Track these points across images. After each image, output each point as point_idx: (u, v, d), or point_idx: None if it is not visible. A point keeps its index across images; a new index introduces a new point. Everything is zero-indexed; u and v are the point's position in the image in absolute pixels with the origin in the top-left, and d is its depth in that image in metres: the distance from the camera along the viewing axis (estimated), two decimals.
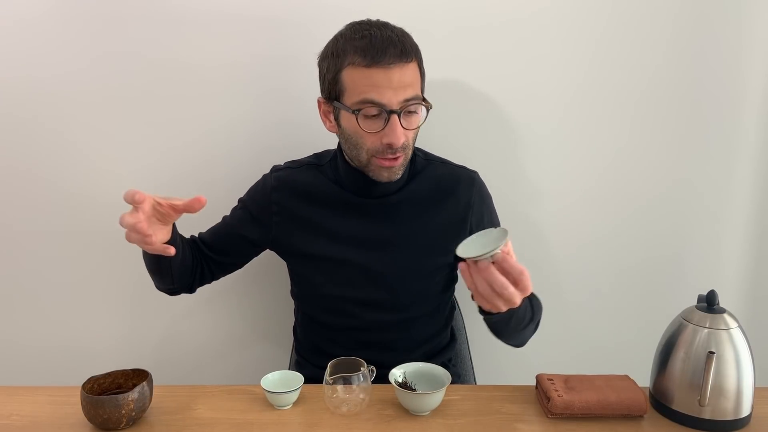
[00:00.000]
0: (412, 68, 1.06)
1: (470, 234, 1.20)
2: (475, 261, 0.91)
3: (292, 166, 1.26)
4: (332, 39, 1.10)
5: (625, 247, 1.54)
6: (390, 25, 1.09)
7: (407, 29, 1.10)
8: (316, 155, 1.27)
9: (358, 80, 1.04)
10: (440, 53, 1.38)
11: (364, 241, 1.18)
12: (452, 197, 1.20)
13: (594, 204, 1.51)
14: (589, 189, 1.50)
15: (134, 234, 0.95)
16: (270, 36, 1.40)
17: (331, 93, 1.09)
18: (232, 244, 1.26)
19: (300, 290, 1.28)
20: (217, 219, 1.28)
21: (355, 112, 1.05)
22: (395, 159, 1.09)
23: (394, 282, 1.16)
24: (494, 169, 1.45)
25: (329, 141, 1.26)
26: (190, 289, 1.26)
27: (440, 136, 1.42)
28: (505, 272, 0.90)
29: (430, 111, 1.11)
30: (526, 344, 1.54)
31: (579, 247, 1.53)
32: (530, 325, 1.13)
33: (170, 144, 1.46)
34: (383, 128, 1.05)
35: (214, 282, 1.31)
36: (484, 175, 1.27)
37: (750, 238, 1.54)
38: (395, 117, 1.05)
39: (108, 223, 1.49)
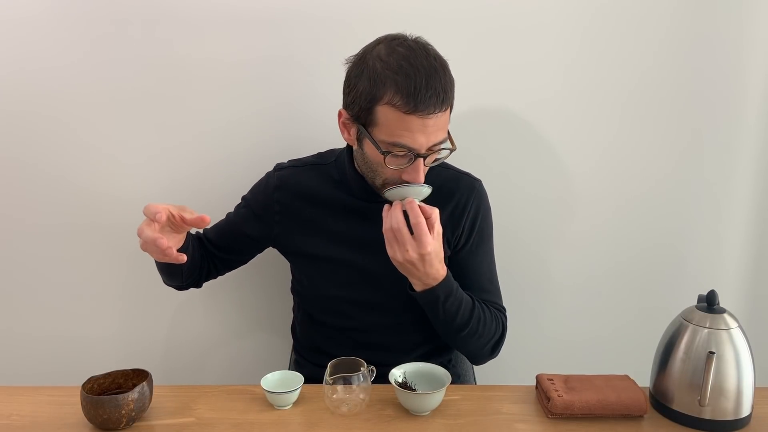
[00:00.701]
0: (445, 115, 1.05)
1: (465, 238, 1.21)
2: (391, 202, 1.04)
3: (296, 165, 1.25)
4: (369, 55, 1.05)
5: (625, 248, 1.54)
6: (432, 56, 1.04)
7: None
8: (319, 155, 1.27)
9: (393, 122, 1.02)
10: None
11: (364, 244, 1.18)
12: (451, 201, 1.20)
13: (594, 204, 1.51)
14: (589, 189, 1.50)
15: (152, 247, 0.99)
16: (270, 36, 1.40)
17: (360, 117, 1.06)
18: (236, 242, 1.27)
19: (300, 288, 1.28)
20: (220, 217, 1.28)
21: (386, 153, 1.04)
22: None
23: (393, 285, 1.16)
24: (494, 169, 1.45)
25: (330, 141, 1.26)
26: (197, 284, 1.28)
27: None
28: (408, 217, 1.02)
29: None
30: (525, 345, 1.54)
31: (579, 247, 1.53)
32: (467, 332, 1.13)
33: (171, 144, 1.46)
34: (406, 166, 1.06)
35: (214, 282, 1.31)
36: (483, 175, 1.27)
37: (750, 238, 1.54)
38: (420, 160, 1.05)
39: (108, 222, 1.50)
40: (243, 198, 1.28)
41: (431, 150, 1.05)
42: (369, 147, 1.07)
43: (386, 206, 1.06)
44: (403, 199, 1.04)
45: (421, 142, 1.03)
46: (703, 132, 1.47)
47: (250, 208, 1.25)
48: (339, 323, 1.22)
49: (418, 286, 1.09)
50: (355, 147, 1.13)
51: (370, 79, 1.02)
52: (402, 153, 1.04)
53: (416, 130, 1.01)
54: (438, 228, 1.05)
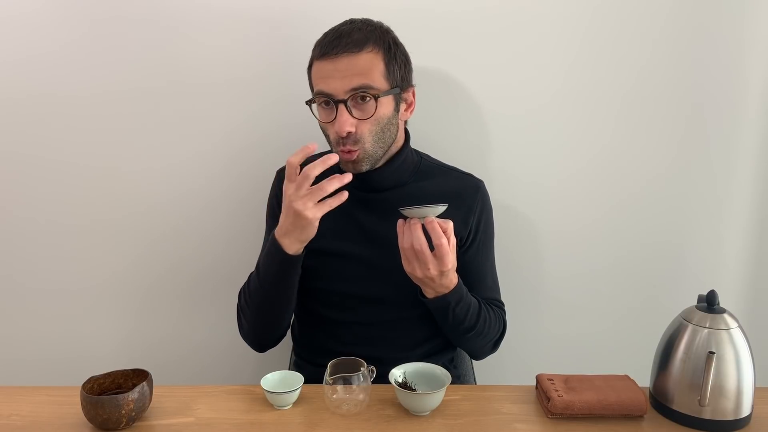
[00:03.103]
0: (365, 58, 1.08)
1: (472, 238, 1.21)
2: (409, 219, 1.05)
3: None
4: None
5: (625, 247, 1.53)
6: (358, 20, 1.12)
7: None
8: (322, 153, 1.27)
9: (315, 73, 1.11)
10: (428, 47, 1.38)
11: (366, 237, 1.19)
12: (456, 200, 1.20)
13: (594, 204, 1.51)
14: (588, 189, 1.50)
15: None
16: (270, 36, 1.40)
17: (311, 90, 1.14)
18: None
19: (302, 284, 1.27)
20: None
21: (308, 103, 1.11)
22: (350, 152, 1.10)
23: (396, 278, 1.17)
24: (493, 168, 1.45)
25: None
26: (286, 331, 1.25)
27: (435, 134, 1.43)
28: (429, 236, 1.03)
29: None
30: (525, 345, 1.54)
31: (579, 246, 1.53)
32: (474, 333, 1.15)
33: (171, 143, 1.46)
34: (334, 118, 1.08)
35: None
36: (482, 174, 1.28)
37: (750, 238, 1.54)
38: (341, 106, 1.07)
39: (109, 222, 1.50)
40: (266, 221, 1.29)
41: (352, 97, 1.07)
42: (315, 113, 1.14)
43: (401, 221, 1.07)
44: (422, 218, 1.04)
45: (335, 86, 1.07)
46: (703, 131, 1.47)
47: (276, 221, 1.24)
48: (341, 317, 1.22)
49: (430, 294, 1.11)
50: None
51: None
52: (326, 103, 1.09)
53: (328, 74, 1.07)
54: (453, 240, 1.06)
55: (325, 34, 1.11)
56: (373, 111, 1.10)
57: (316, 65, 1.10)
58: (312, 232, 1.07)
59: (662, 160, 1.48)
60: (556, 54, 1.42)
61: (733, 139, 1.47)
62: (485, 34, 1.40)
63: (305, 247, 1.19)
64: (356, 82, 1.07)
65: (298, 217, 1.03)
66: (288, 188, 1.03)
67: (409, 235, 1.04)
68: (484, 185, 1.27)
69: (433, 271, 1.05)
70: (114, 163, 1.47)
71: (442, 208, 1.04)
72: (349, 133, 1.08)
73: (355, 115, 1.08)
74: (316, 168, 1.01)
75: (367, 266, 1.19)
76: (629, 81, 1.44)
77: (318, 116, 1.12)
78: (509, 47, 1.41)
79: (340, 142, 1.10)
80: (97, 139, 1.45)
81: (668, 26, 1.41)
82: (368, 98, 1.08)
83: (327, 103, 1.10)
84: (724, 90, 1.44)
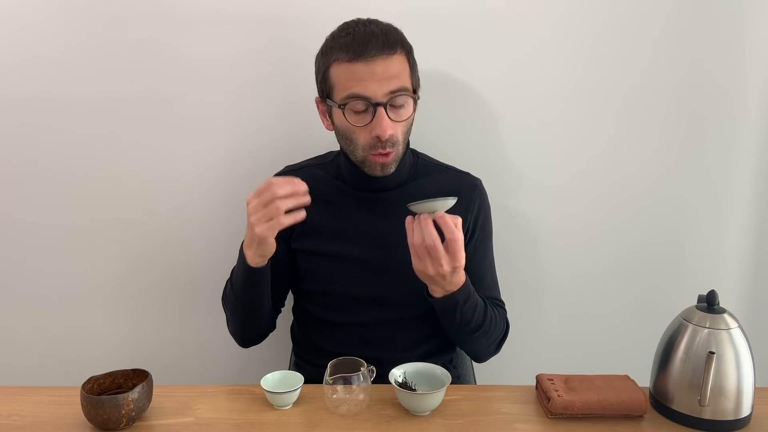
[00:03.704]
0: (397, 60, 1.08)
1: (469, 236, 1.22)
2: (419, 214, 1.02)
3: (294, 168, 1.27)
4: (325, 40, 1.13)
5: (625, 247, 1.53)
6: (377, 21, 1.11)
7: (402, 27, 1.11)
8: (317, 157, 1.29)
9: (343, 76, 1.07)
10: (429, 47, 1.38)
11: (362, 237, 1.19)
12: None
13: (594, 204, 1.51)
14: (588, 189, 1.50)
15: (287, 202, 0.98)
16: (270, 36, 1.40)
17: (323, 92, 1.12)
18: (281, 266, 1.21)
19: (301, 286, 1.27)
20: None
21: (341, 107, 1.07)
22: (386, 155, 1.11)
23: (394, 278, 1.17)
24: (492, 169, 1.45)
25: (331, 141, 1.26)
26: (269, 330, 1.26)
27: (435, 134, 1.43)
28: (440, 231, 1.01)
29: (424, 109, 1.11)
30: (525, 345, 1.54)
31: (579, 246, 1.53)
32: (480, 333, 1.14)
33: (171, 143, 1.46)
34: (371, 121, 1.07)
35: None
36: (482, 174, 1.27)
37: (750, 238, 1.54)
38: (381, 109, 1.06)
39: (109, 222, 1.50)
40: None
41: (390, 100, 1.07)
42: (337, 117, 1.11)
43: (410, 218, 1.04)
44: (432, 213, 1.01)
45: (374, 89, 1.05)
46: (703, 131, 1.47)
47: None
48: (340, 319, 1.22)
49: (438, 293, 1.08)
50: (333, 131, 1.16)
51: (322, 53, 1.11)
52: (361, 107, 1.07)
53: (365, 77, 1.05)
54: (461, 235, 1.03)
55: (351, 35, 1.07)
56: (410, 113, 1.11)
57: (346, 67, 1.06)
58: (268, 248, 1.05)
59: (662, 161, 1.48)
60: (556, 55, 1.42)
61: (733, 140, 1.47)
62: (486, 35, 1.40)
63: (302, 249, 1.20)
64: (394, 84, 1.07)
65: (252, 231, 1.02)
66: (251, 200, 1.02)
67: (420, 231, 1.01)
68: (481, 183, 1.26)
69: (446, 267, 1.02)
70: (114, 165, 1.47)
71: (452, 201, 1.02)
72: (390, 135, 1.08)
73: (392, 118, 1.08)
74: (283, 189, 0.99)
75: (364, 267, 1.19)
76: (629, 82, 1.44)
77: (349, 120, 1.08)
78: (510, 48, 1.41)
79: (377, 146, 1.09)
80: (97, 141, 1.45)
81: (669, 28, 1.41)
82: (403, 100, 1.09)
83: (360, 107, 1.07)
84: (724, 91, 1.44)
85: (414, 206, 1.02)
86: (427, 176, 1.23)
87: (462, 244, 1.02)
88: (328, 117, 1.16)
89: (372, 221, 1.19)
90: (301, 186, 1.00)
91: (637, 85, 1.44)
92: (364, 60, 1.04)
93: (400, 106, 1.09)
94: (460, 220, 1.03)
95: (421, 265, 1.04)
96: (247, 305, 1.17)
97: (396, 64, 1.07)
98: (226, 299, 1.21)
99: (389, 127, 1.07)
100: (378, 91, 1.06)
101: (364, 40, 1.05)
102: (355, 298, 1.21)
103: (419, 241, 1.01)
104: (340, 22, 1.13)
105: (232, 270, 1.18)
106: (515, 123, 1.46)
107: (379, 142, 1.08)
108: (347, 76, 1.06)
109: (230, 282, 1.19)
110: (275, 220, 1.00)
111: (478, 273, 1.24)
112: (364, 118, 1.08)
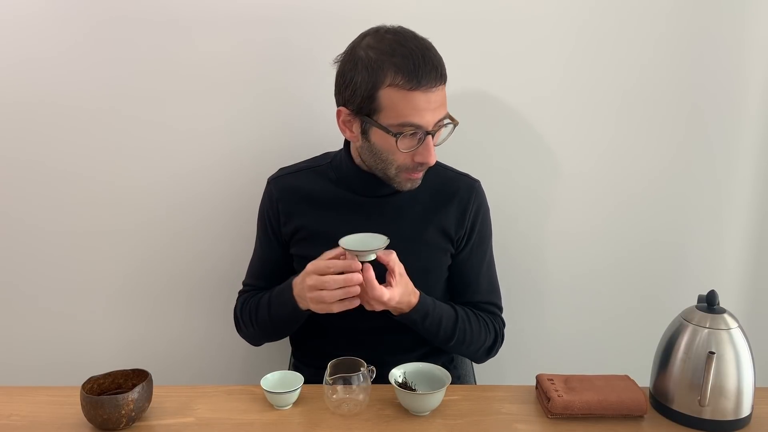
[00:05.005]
0: (444, 89, 1.08)
1: (466, 238, 1.21)
2: (356, 256, 1.02)
3: (290, 171, 1.26)
4: (358, 48, 1.07)
5: (625, 248, 1.53)
6: (419, 38, 1.07)
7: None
8: (312, 159, 1.27)
9: (399, 102, 1.03)
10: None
11: None
12: (451, 202, 1.21)
13: (594, 204, 1.51)
14: (588, 189, 1.50)
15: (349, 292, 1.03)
16: (270, 36, 1.40)
17: (363, 109, 1.07)
18: (281, 270, 1.23)
19: None
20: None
21: (397, 135, 1.05)
22: (419, 174, 1.13)
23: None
24: (492, 168, 1.45)
25: (331, 140, 1.26)
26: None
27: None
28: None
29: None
30: (525, 345, 1.54)
31: (579, 246, 1.53)
32: (454, 343, 1.16)
33: (171, 144, 1.46)
34: (416, 147, 1.07)
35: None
36: (482, 175, 1.27)
37: (750, 238, 1.54)
38: (430, 138, 1.07)
39: (108, 222, 1.50)
40: (257, 230, 1.28)
41: (437, 126, 1.08)
42: (377, 136, 1.08)
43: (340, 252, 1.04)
44: (366, 251, 1.03)
45: (428, 119, 1.05)
46: (703, 131, 1.47)
47: (267, 233, 1.24)
48: (337, 324, 1.21)
49: (395, 311, 1.11)
50: (358, 143, 1.13)
51: (367, 68, 1.04)
52: (411, 132, 1.05)
53: (422, 107, 1.04)
54: (399, 269, 1.06)
55: (409, 59, 1.02)
56: (447, 136, 1.12)
57: (405, 95, 1.03)
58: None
59: (662, 161, 1.48)
60: (556, 55, 1.42)
61: (733, 139, 1.47)
62: (486, 35, 1.40)
63: (300, 254, 1.20)
64: (443, 113, 1.08)
65: (321, 305, 1.05)
66: (328, 270, 1.03)
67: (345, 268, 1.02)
68: (479, 185, 1.25)
69: (391, 303, 1.05)
70: (113, 166, 1.46)
71: (383, 245, 1.03)
72: None
73: (435, 143, 1.10)
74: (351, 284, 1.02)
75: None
76: (629, 82, 1.44)
77: (399, 146, 1.06)
78: (510, 48, 1.41)
79: (416, 168, 1.10)
80: (96, 142, 1.45)
81: (669, 27, 1.41)
82: (443, 128, 1.10)
83: (411, 133, 1.06)
84: (724, 90, 1.44)
85: (351, 251, 1.02)
86: (426, 177, 1.22)
87: (373, 283, 1.02)
88: (355, 129, 1.11)
89: (369, 225, 1.17)
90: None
91: (637, 85, 1.44)
92: (424, 90, 1.03)
93: (442, 129, 1.11)
94: (393, 254, 1.06)
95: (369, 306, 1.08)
96: (281, 330, 1.22)
97: (444, 93, 1.08)
98: (255, 320, 1.21)
99: (435, 154, 1.09)
100: (431, 120, 1.06)
101: (425, 68, 1.02)
102: None
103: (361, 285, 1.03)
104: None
105: (269, 301, 1.18)
106: (515, 123, 1.46)
107: (420, 165, 1.09)
108: (405, 103, 1.03)
109: (267, 311, 1.18)
110: (338, 304, 1.04)
111: (472, 276, 1.23)
112: (411, 143, 1.07)
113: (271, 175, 1.26)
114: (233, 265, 1.45)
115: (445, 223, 1.20)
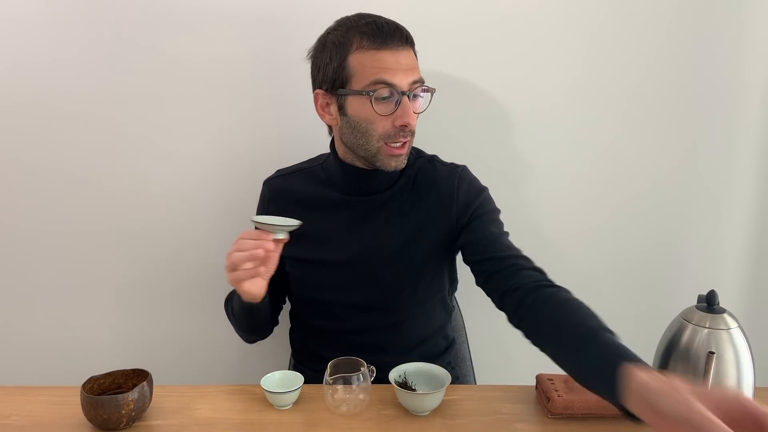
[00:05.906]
0: (412, 54, 1.10)
1: (468, 217, 1.16)
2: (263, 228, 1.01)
3: (283, 173, 1.27)
4: (327, 33, 1.11)
5: (625, 247, 1.54)
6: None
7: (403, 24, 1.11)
8: (308, 160, 1.28)
9: (367, 63, 1.05)
10: (435, 49, 1.38)
11: (349, 242, 1.17)
12: (435, 192, 1.18)
13: (594, 204, 1.51)
14: (589, 190, 1.50)
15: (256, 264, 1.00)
16: (270, 36, 1.40)
17: (336, 82, 1.08)
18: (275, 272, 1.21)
19: (294, 292, 1.27)
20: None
21: (369, 93, 1.05)
22: (403, 145, 1.10)
23: (383, 282, 1.16)
24: (492, 168, 1.45)
25: (330, 142, 1.26)
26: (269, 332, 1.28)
27: (437, 135, 1.43)
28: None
29: (428, 109, 1.11)
30: (526, 345, 1.53)
31: (579, 247, 1.53)
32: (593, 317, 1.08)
33: (170, 144, 1.46)
34: (395, 110, 1.06)
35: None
36: (484, 176, 1.27)
37: (750, 237, 1.54)
38: (406, 98, 1.06)
39: (108, 222, 1.50)
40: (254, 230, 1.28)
41: (412, 89, 1.08)
42: (354, 106, 1.08)
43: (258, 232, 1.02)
44: (275, 234, 1.01)
45: (400, 79, 1.06)
46: (703, 132, 1.47)
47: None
48: (332, 326, 1.21)
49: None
50: (338, 124, 1.13)
51: (335, 43, 1.08)
52: (386, 94, 1.06)
53: (391, 65, 1.05)
54: None
55: (372, 25, 1.05)
56: (426, 106, 1.12)
57: (372, 54, 1.04)
58: (256, 294, 1.05)
59: (663, 162, 1.48)
60: (559, 57, 1.42)
61: (733, 141, 1.48)
62: (489, 35, 1.41)
63: (291, 256, 1.19)
64: (415, 75, 1.08)
65: (237, 286, 1.04)
66: (229, 257, 1.01)
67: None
68: (464, 169, 1.21)
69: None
70: (112, 166, 1.47)
71: (293, 226, 1.01)
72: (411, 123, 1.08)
73: (413, 109, 1.08)
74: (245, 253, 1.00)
75: (351, 272, 1.17)
76: (630, 85, 1.44)
77: (375, 108, 1.06)
78: (513, 50, 1.42)
79: (397, 135, 1.08)
80: (96, 140, 1.45)
81: (672, 30, 1.41)
82: (421, 92, 1.10)
83: (385, 93, 1.05)
84: (725, 91, 1.44)
85: (259, 222, 1.01)
86: (411, 171, 1.20)
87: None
88: (333, 110, 1.12)
89: (357, 224, 1.17)
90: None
91: (638, 87, 1.44)
92: (391, 49, 1.05)
93: (418, 98, 1.11)
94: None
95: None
96: (248, 324, 1.19)
97: (413, 57, 1.09)
98: (228, 313, 1.22)
99: (414, 116, 1.08)
100: (404, 80, 1.06)
101: (389, 29, 1.05)
102: (343, 305, 1.19)
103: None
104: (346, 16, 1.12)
105: (231, 292, 1.18)
106: (517, 124, 1.46)
107: (401, 131, 1.08)
108: (373, 62, 1.05)
109: (231, 304, 1.19)
110: (259, 275, 1.03)
111: (500, 240, 1.15)
112: (388, 107, 1.06)
113: (266, 178, 1.27)
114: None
115: (433, 214, 1.17)
